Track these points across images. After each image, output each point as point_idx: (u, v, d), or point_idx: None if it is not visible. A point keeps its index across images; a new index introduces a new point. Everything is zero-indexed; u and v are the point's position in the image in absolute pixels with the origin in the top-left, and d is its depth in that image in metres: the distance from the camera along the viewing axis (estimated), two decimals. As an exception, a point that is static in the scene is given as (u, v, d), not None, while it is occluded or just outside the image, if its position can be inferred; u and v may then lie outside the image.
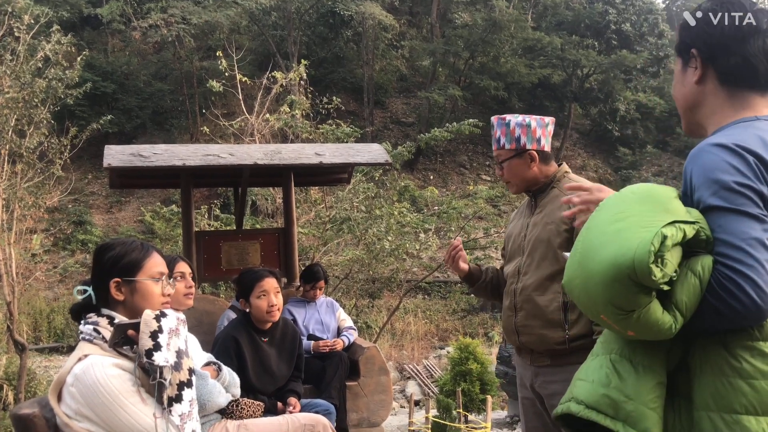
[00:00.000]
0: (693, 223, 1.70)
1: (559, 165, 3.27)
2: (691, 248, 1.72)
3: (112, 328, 2.30)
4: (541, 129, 3.17)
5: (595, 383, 1.82)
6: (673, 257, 1.66)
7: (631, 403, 1.74)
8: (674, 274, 1.66)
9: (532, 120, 3.17)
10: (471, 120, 14.58)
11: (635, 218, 1.72)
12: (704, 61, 1.91)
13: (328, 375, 5.07)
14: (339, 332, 5.62)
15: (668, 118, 35.44)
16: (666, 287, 1.66)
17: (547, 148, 3.21)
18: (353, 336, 5.64)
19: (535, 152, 3.15)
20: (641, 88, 35.86)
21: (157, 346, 2.21)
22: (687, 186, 1.83)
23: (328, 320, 5.61)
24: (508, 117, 3.19)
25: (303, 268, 5.86)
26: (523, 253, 3.17)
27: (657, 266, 1.62)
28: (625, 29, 33.49)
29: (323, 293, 5.66)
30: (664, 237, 1.64)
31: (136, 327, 2.26)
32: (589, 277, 1.74)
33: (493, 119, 3.25)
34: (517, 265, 3.19)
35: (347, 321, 5.74)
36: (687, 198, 1.82)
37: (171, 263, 2.55)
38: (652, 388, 1.76)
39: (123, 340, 2.27)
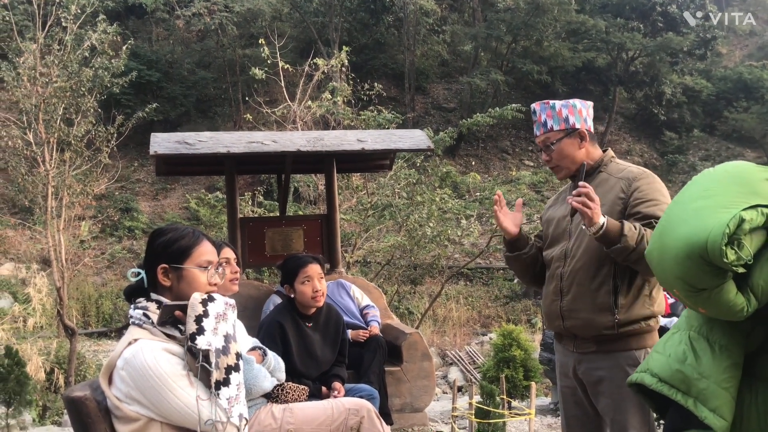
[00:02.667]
0: None
1: (604, 151, 3.24)
2: None
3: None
4: (586, 109, 3.16)
5: (671, 358, 1.81)
6: (752, 241, 1.62)
7: (704, 381, 1.73)
8: (749, 259, 1.62)
9: (576, 101, 3.17)
10: (513, 105, 14.45)
11: (719, 198, 1.68)
12: None
13: (366, 360, 5.09)
14: (360, 312, 5.63)
15: (715, 101, 34.69)
16: (742, 270, 1.62)
17: (592, 129, 3.20)
18: (377, 315, 5.65)
19: (585, 131, 3.13)
20: (688, 71, 35.07)
21: (200, 330, 2.23)
22: None
23: (346, 302, 5.61)
24: (551, 101, 3.17)
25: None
26: (570, 236, 3.12)
27: (732, 249, 1.60)
28: (671, 11, 32.80)
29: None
30: (742, 220, 1.61)
31: (184, 309, 2.29)
32: (665, 251, 1.74)
33: (535, 105, 3.22)
34: (564, 249, 3.13)
35: (364, 299, 5.72)
36: None
37: (217, 249, 2.57)
38: (726, 368, 1.74)
39: (170, 320, 2.31)
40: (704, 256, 1.61)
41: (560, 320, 3.11)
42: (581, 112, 3.12)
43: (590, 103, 3.23)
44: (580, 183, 2.81)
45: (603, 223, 2.76)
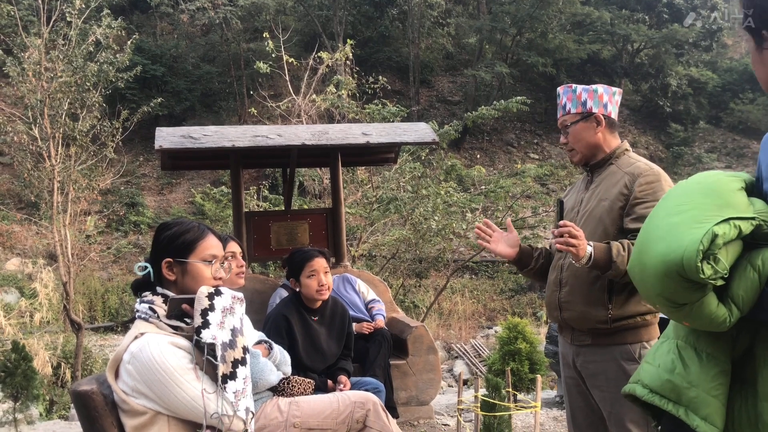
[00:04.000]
0: (751, 219, 1.67)
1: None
2: (756, 240, 1.68)
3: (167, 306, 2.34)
4: (608, 95, 3.14)
5: (661, 368, 1.84)
6: (728, 253, 1.66)
7: (694, 389, 1.75)
8: (725, 272, 1.65)
9: (599, 86, 3.16)
10: (519, 97, 14.39)
11: (693, 212, 1.70)
12: None
13: (372, 354, 5.10)
14: (366, 306, 5.64)
15: (721, 93, 34.58)
16: (721, 282, 1.65)
17: (614, 116, 3.17)
18: (383, 309, 5.65)
19: (601, 116, 3.11)
20: (693, 62, 34.98)
21: (205, 324, 2.24)
22: (759, 172, 1.79)
23: (352, 297, 5.62)
24: (575, 85, 3.17)
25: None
26: None
27: (708, 264, 1.63)
28: (676, 2, 32.67)
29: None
30: (715, 236, 1.63)
31: (191, 302, 2.29)
32: (644, 269, 1.77)
33: (560, 88, 3.23)
34: None
35: (369, 293, 5.73)
36: (760, 184, 1.78)
37: (222, 243, 2.56)
38: (714, 376, 1.75)
39: (177, 314, 2.32)
40: (681, 273, 1.64)
41: (558, 311, 3.12)
42: (602, 97, 3.12)
43: (617, 90, 3.20)
44: (560, 222, 2.80)
45: (590, 254, 2.76)
